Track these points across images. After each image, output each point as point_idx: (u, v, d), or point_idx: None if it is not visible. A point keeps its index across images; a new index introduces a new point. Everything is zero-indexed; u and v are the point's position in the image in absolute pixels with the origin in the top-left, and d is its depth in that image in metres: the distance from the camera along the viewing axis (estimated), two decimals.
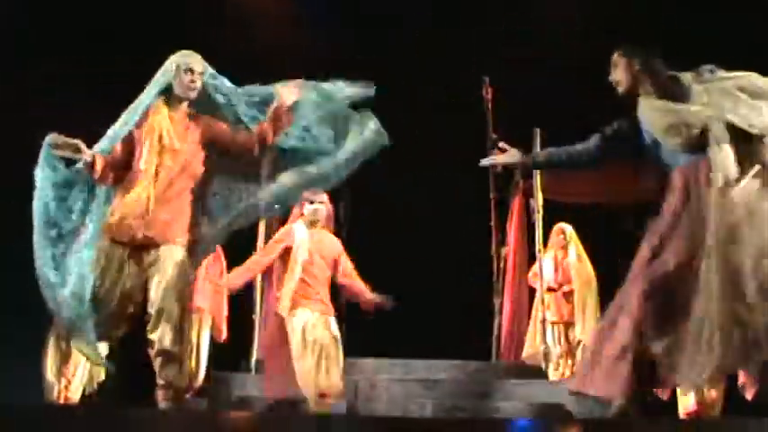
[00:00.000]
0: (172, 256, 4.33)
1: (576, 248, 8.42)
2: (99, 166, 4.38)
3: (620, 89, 4.30)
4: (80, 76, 7.70)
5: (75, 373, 7.15)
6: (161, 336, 4.31)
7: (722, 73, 4.16)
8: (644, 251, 4.20)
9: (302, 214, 5.92)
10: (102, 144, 4.44)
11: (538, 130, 6.97)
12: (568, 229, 8.49)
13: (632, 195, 7.60)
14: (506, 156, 4.52)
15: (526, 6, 8.58)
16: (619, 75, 4.30)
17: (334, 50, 7.65)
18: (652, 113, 4.15)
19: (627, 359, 3.98)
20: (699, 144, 4.01)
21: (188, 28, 7.75)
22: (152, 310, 4.30)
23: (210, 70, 4.60)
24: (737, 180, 3.93)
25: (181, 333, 4.34)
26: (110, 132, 4.48)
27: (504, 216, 8.04)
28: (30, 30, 7.85)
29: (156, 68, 4.71)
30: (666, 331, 3.94)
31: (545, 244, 7.66)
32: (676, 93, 4.16)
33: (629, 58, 4.26)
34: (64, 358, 7.21)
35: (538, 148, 7.03)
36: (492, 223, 7.66)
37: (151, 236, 4.33)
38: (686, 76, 4.18)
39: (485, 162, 4.60)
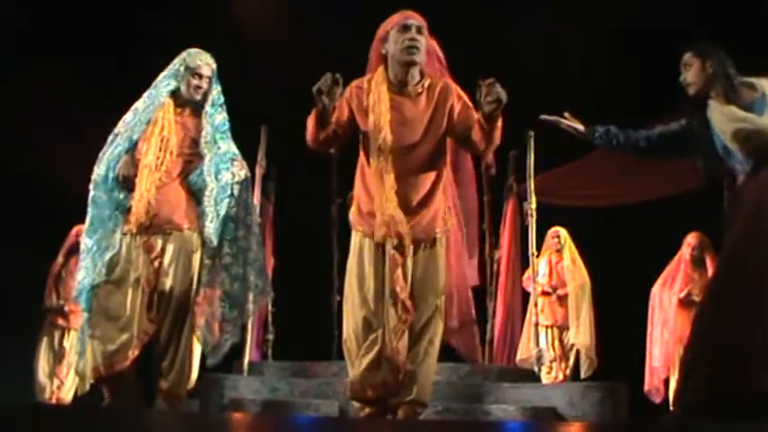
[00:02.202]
0: (182, 245, 4.52)
1: (570, 252, 8.45)
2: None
3: (692, 90, 4.24)
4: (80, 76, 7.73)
5: (67, 374, 7.13)
6: (168, 338, 4.44)
7: None
8: (721, 255, 4.25)
9: (382, 56, 4.27)
10: (124, 145, 4.55)
11: (532, 134, 6.97)
12: (563, 232, 8.52)
13: (628, 197, 7.67)
14: (570, 123, 4.51)
15: (520, 11, 8.59)
16: (692, 76, 4.22)
17: (326, 49, 7.64)
18: (722, 118, 4.11)
19: (698, 366, 3.99)
20: None
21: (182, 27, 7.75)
22: (162, 310, 4.47)
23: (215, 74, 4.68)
24: None
25: (188, 334, 4.48)
26: (124, 132, 4.58)
27: (497, 219, 8.02)
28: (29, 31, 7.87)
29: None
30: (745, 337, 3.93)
31: (539, 247, 7.66)
32: (748, 98, 4.12)
33: (704, 59, 4.19)
34: (57, 359, 7.21)
35: (532, 152, 7.05)
36: (485, 226, 7.65)
37: (159, 223, 4.48)
38: (762, 83, 4.13)
39: (545, 117, 4.55)
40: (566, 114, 4.53)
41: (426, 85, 4.27)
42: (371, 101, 4.22)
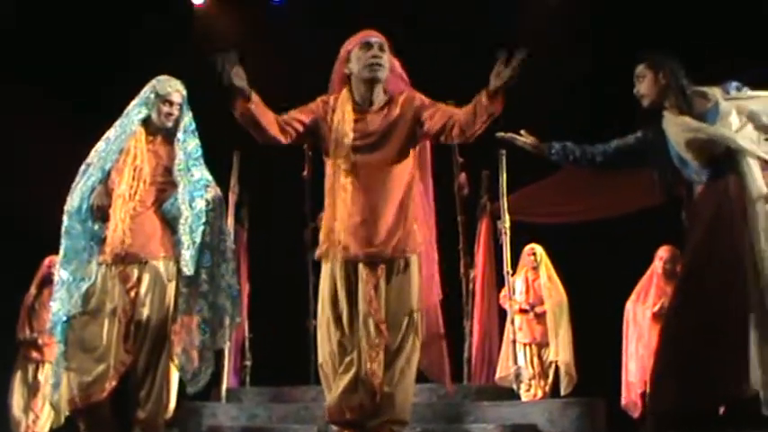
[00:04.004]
0: (157, 274, 4.48)
1: (546, 269, 8.48)
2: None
3: (646, 102, 4.27)
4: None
5: (42, 407, 7.05)
6: (146, 368, 4.39)
7: (749, 92, 4.20)
8: (682, 263, 4.34)
9: (346, 76, 4.30)
10: (97, 175, 4.54)
11: (504, 152, 7.01)
12: (539, 249, 8.55)
13: (600, 213, 7.71)
14: (526, 140, 4.51)
15: (491, 31, 8.65)
16: (645, 88, 4.26)
17: (297, 72, 7.66)
18: (676, 129, 4.14)
19: (667, 376, 4.01)
20: (723, 160, 4.06)
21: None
22: (139, 340, 4.44)
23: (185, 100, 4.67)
24: None
25: (165, 363, 4.45)
26: (97, 162, 4.58)
27: (471, 239, 8.04)
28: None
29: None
30: (714, 345, 3.95)
31: (514, 265, 7.68)
32: (701, 108, 4.16)
33: (656, 71, 4.23)
34: (32, 393, 7.13)
35: (504, 171, 7.09)
36: (460, 246, 7.67)
37: (135, 253, 4.44)
38: (714, 92, 4.17)
39: (501, 135, 4.53)
40: (522, 132, 4.54)
41: (389, 100, 4.27)
42: (336, 120, 4.22)
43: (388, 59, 4.22)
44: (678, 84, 4.20)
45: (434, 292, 4.70)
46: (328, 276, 4.24)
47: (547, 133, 4.60)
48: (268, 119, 4.17)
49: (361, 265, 4.17)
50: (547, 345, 8.31)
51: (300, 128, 4.27)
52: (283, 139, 4.23)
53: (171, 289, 4.53)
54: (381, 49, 4.20)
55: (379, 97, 4.26)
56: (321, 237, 4.28)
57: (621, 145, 4.41)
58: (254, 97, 4.11)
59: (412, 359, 4.20)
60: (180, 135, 4.63)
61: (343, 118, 4.20)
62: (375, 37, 4.23)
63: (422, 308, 4.35)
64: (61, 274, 4.49)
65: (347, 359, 4.16)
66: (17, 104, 7.58)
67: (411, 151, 4.28)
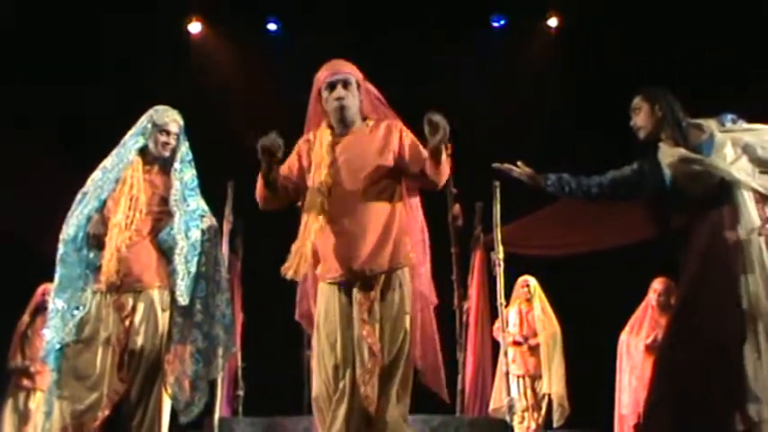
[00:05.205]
0: (152, 303, 4.48)
1: (540, 301, 8.48)
2: None
3: (642, 134, 4.31)
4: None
5: None
6: (139, 397, 4.42)
7: (744, 124, 4.23)
8: (677, 296, 4.37)
9: (323, 112, 4.36)
10: (93, 204, 4.56)
11: (498, 184, 7.03)
12: (532, 281, 8.55)
13: (593, 245, 7.73)
14: (522, 171, 4.53)
15: (485, 60, 8.71)
16: (641, 120, 4.30)
17: (290, 103, 7.69)
18: (672, 160, 4.18)
19: (661, 407, 4.00)
20: (718, 191, 4.10)
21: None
22: (132, 369, 4.43)
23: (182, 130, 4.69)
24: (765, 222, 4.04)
25: (158, 393, 4.43)
26: (93, 191, 4.58)
27: (465, 270, 8.05)
28: None
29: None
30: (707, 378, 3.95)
31: (507, 297, 7.68)
32: (696, 140, 4.20)
33: (652, 103, 4.27)
34: (22, 421, 7.09)
35: (498, 202, 7.11)
36: (454, 278, 7.67)
37: (130, 282, 4.45)
38: (709, 124, 4.21)
39: (497, 165, 4.58)
40: (518, 163, 4.56)
41: (370, 124, 4.32)
42: (315, 148, 4.28)
43: (352, 94, 4.27)
44: (674, 116, 4.24)
45: (427, 303, 4.60)
46: (323, 302, 4.21)
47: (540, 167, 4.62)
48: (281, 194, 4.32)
49: (355, 289, 4.13)
50: (540, 377, 8.31)
51: (293, 187, 4.35)
52: (301, 203, 4.33)
53: (165, 318, 4.53)
54: (345, 86, 4.26)
55: (357, 122, 4.31)
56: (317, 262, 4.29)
57: (617, 176, 4.43)
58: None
59: (407, 385, 4.15)
60: (176, 165, 4.65)
61: (321, 143, 4.26)
62: (338, 74, 4.28)
63: (414, 319, 4.29)
64: (56, 302, 4.48)
65: (340, 385, 4.07)
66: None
67: (396, 174, 4.28)
